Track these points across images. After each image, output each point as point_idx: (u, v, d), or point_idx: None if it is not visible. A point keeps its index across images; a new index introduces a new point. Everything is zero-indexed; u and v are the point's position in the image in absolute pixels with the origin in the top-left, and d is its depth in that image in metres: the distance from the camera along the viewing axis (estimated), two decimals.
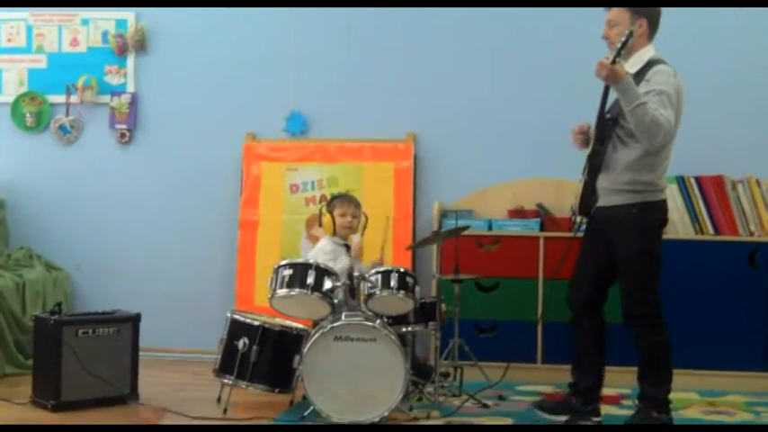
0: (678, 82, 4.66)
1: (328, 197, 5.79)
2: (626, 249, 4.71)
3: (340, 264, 5.26)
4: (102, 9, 6.75)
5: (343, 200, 5.51)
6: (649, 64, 4.68)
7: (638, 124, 4.51)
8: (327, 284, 4.96)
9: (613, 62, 4.47)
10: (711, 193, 5.97)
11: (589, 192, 4.82)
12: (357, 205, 5.53)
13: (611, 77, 4.50)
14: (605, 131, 4.71)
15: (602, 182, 4.77)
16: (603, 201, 4.77)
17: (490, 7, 6.35)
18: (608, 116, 4.73)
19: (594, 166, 4.79)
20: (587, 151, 4.88)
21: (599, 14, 4.84)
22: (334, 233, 5.45)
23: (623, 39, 4.53)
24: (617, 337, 4.81)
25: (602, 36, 4.79)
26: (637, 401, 4.82)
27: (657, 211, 4.75)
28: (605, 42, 4.76)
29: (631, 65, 4.71)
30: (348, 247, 5.51)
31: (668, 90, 4.57)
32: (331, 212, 5.44)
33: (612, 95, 4.69)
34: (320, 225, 5.52)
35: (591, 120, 4.83)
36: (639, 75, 4.64)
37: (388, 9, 6.47)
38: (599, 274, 4.86)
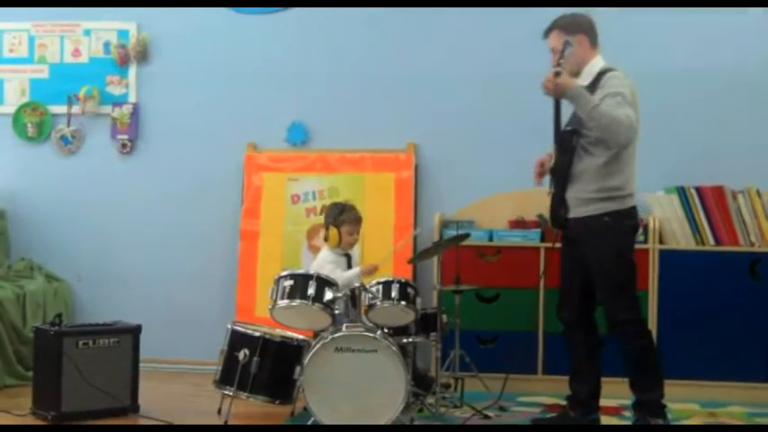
0: (631, 83, 4.71)
1: (328, 206, 5.74)
2: (601, 257, 4.73)
3: (347, 274, 5.27)
4: (103, 20, 6.76)
5: (352, 219, 5.49)
6: (601, 73, 4.74)
7: (598, 126, 4.57)
8: (328, 295, 4.95)
9: (556, 74, 4.56)
10: (712, 203, 5.97)
11: (559, 203, 4.85)
12: (361, 221, 5.54)
13: (559, 90, 4.60)
14: (566, 143, 4.76)
15: (571, 192, 4.80)
16: (574, 212, 4.80)
17: (490, 15, 6.37)
18: (569, 128, 4.79)
19: (560, 178, 4.83)
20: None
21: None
22: (338, 245, 5.46)
23: (561, 49, 4.66)
24: (616, 348, 4.80)
25: (552, 65, 4.82)
26: (633, 411, 4.81)
27: (628, 218, 4.79)
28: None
29: (584, 78, 4.78)
30: (348, 257, 5.52)
31: (623, 90, 4.61)
32: (338, 227, 5.43)
33: (568, 107, 4.73)
34: (325, 239, 5.51)
35: None
36: (593, 86, 4.70)
37: (389, 20, 6.49)
38: (584, 284, 4.88)
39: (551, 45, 4.85)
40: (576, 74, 4.78)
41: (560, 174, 4.81)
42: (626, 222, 4.76)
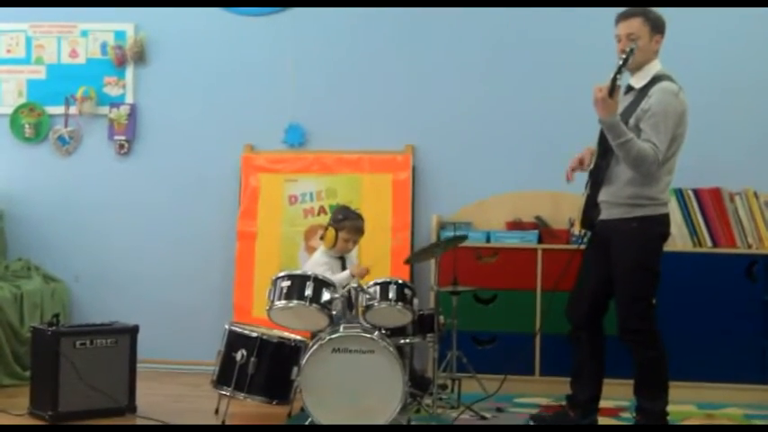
0: (681, 101, 4.64)
1: (331, 208, 5.74)
2: (624, 262, 4.70)
3: (338, 276, 5.27)
4: (101, 21, 6.76)
5: (353, 227, 5.48)
6: (654, 80, 4.67)
7: (624, 157, 4.57)
8: (326, 296, 4.95)
9: (610, 94, 4.46)
10: (709, 205, 5.98)
11: (591, 205, 4.83)
12: (362, 232, 5.53)
13: (604, 110, 4.49)
14: (607, 146, 4.70)
15: (604, 195, 4.77)
16: (605, 214, 4.78)
17: (488, 16, 6.39)
18: None
19: (597, 181, 4.80)
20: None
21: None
22: (333, 247, 5.46)
23: (620, 62, 4.51)
24: (616, 350, 4.80)
25: (620, 50, 4.68)
26: (635, 414, 4.82)
27: (659, 225, 4.75)
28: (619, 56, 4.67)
29: (638, 79, 4.72)
30: (342, 260, 5.52)
31: (662, 111, 4.56)
32: (337, 230, 5.43)
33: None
34: (321, 238, 5.52)
35: (588, 135, 4.84)
36: (644, 90, 4.65)
37: (387, 21, 6.50)
38: (599, 287, 4.86)
39: (626, 31, 4.67)
40: (634, 71, 4.71)
41: (598, 176, 4.80)
42: (655, 229, 4.73)
